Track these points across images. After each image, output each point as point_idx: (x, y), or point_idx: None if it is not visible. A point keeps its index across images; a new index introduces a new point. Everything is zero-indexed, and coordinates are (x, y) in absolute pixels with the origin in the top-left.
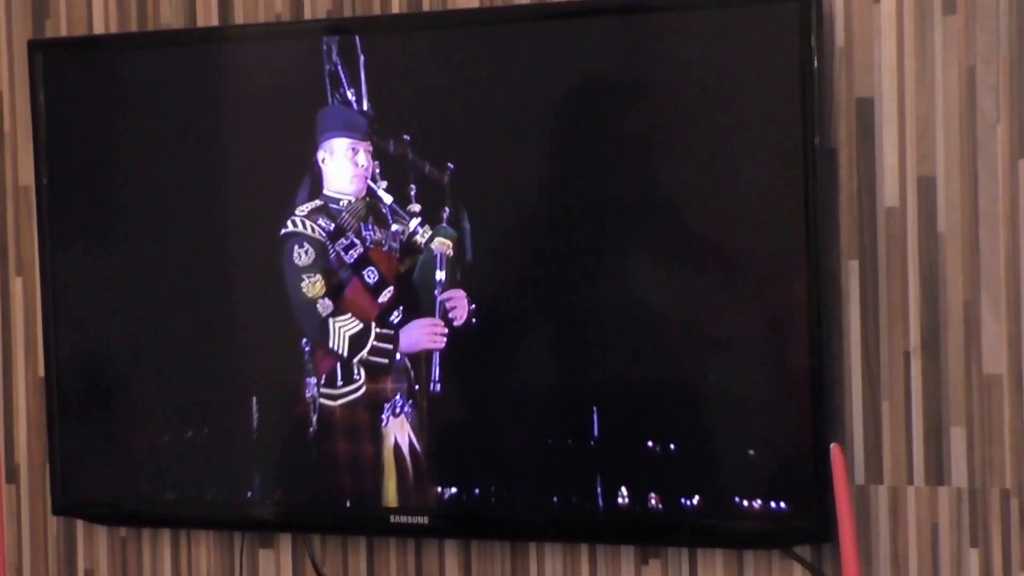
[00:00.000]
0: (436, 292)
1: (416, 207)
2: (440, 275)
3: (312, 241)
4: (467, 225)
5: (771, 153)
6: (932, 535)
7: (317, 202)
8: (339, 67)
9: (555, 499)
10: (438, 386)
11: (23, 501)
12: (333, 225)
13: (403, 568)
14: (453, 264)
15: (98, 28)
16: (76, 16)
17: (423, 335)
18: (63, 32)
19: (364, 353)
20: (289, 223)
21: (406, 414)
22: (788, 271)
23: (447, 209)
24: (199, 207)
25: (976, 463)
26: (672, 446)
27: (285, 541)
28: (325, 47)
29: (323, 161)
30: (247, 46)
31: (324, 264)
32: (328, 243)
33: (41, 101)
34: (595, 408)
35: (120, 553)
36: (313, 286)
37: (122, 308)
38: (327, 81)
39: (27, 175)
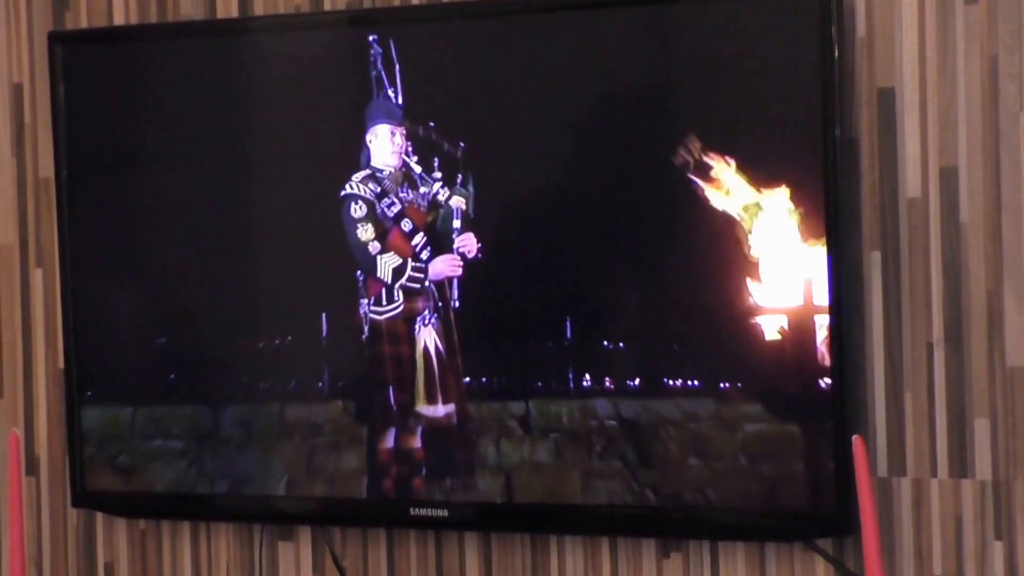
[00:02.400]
0: (453, 236)
1: (438, 175)
2: (456, 223)
3: (364, 200)
4: (473, 188)
5: (792, 144)
6: (956, 528)
7: (367, 171)
8: (382, 73)
9: (539, 384)
10: (456, 303)
11: (43, 493)
12: (379, 188)
13: (423, 561)
14: (466, 216)
15: (118, 20)
16: (96, 8)
17: (446, 267)
18: (83, 24)
19: (402, 281)
20: (347, 187)
21: (432, 324)
22: (810, 262)
23: (460, 176)
24: (241, 186)
25: (1000, 455)
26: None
27: (305, 534)
28: (371, 57)
29: (371, 141)
30: (270, 37)
31: (373, 216)
32: (376, 201)
33: (61, 93)
34: (568, 318)
35: (139, 545)
36: (365, 232)
37: (144, 298)
38: (373, 83)
39: (47, 167)
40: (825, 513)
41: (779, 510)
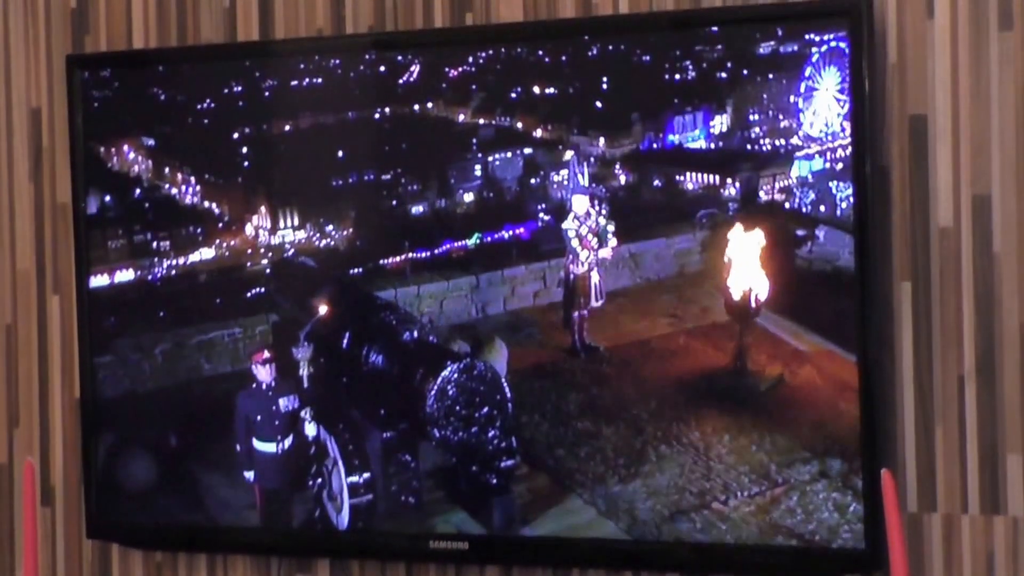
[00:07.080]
0: None
1: None
2: None
3: None
4: None
5: (823, 171)
6: (987, 565)
7: None
8: None
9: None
10: None
11: (58, 524)
12: None
13: None
14: None
15: (138, 43)
16: (115, 31)
17: None
18: (102, 48)
19: None
20: None
21: None
22: (839, 292)
23: None
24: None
25: None
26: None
27: (323, 566)
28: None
29: None
30: (292, 61)
31: None
32: None
33: (79, 117)
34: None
35: None
36: None
37: (162, 325)
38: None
39: (65, 192)
40: (853, 549)
41: (806, 545)
